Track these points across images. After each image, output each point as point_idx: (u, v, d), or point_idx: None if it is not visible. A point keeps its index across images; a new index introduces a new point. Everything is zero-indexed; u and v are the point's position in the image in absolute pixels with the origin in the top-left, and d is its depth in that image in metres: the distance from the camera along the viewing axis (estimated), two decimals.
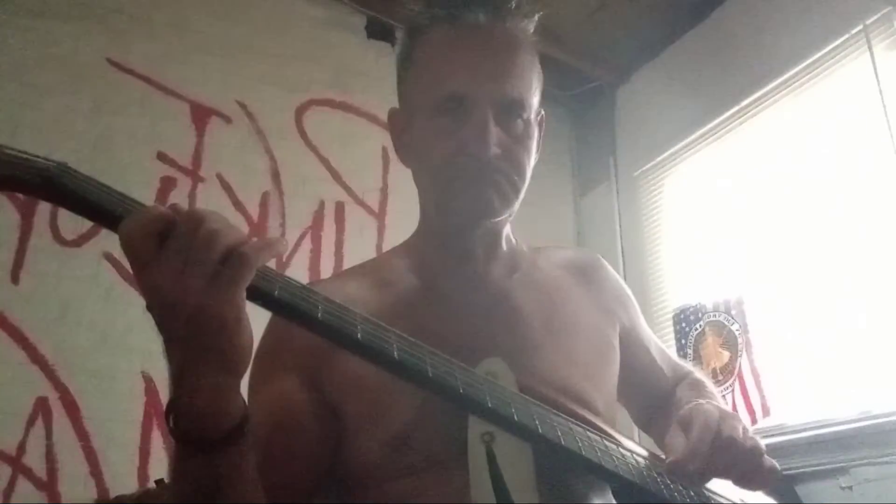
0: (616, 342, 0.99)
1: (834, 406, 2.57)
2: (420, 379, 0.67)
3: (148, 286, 0.60)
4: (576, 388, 0.85)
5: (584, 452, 0.73)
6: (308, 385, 0.84)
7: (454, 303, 0.90)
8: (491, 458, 0.74)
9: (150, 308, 0.61)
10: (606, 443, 0.78)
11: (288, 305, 0.63)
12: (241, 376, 0.64)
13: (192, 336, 0.60)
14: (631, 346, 1.02)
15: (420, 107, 0.90)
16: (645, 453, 0.82)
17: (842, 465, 2.41)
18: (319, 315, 0.64)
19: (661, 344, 1.12)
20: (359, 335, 0.65)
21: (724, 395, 2.81)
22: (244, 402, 0.66)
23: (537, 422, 0.72)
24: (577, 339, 0.93)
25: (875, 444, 2.35)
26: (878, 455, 2.34)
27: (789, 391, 2.80)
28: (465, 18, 0.88)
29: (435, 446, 0.79)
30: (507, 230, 0.96)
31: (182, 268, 0.58)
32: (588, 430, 0.77)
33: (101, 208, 0.62)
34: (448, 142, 0.86)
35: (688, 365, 1.12)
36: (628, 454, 0.79)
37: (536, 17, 0.92)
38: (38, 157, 0.63)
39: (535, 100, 0.91)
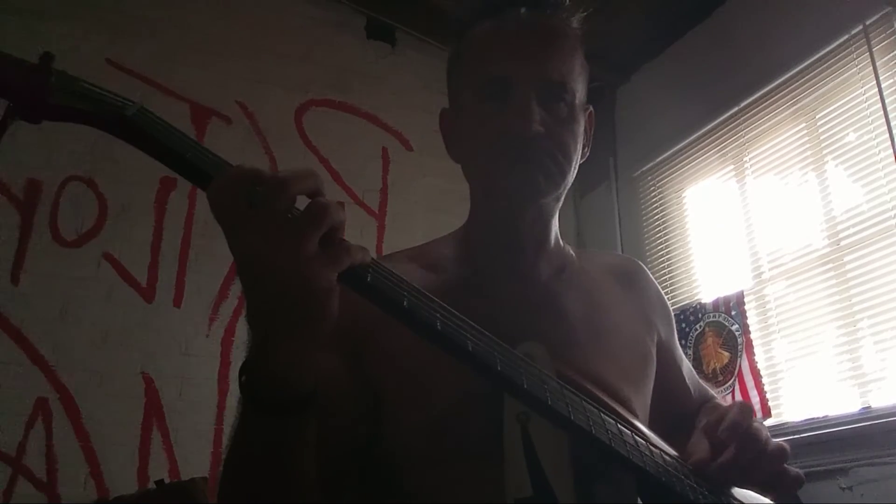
0: (654, 352, 0.99)
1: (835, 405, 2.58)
2: (460, 353, 0.67)
3: (240, 250, 0.59)
4: (614, 386, 0.85)
5: (613, 444, 0.73)
6: (348, 365, 0.84)
7: (500, 293, 0.90)
8: (526, 438, 0.75)
9: (240, 271, 0.60)
10: (637, 438, 0.77)
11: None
12: (323, 346, 0.64)
13: (284, 304, 0.59)
14: (664, 360, 1.01)
15: (465, 98, 0.91)
16: (674, 453, 0.82)
17: (842, 465, 2.41)
18: (369, 278, 0.64)
19: (690, 364, 1.12)
20: (405, 302, 0.65)
21: (724, 396, 2.81)
22: (319, 370, 0.66)
23: (570, 408, 0.72)
24: (618, 343, 0.93)
25: (875, 444, 2.35)
26: (878, 455, 2.34)
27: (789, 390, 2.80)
28: (508, 12, 0.90)
29: (473, 435, 0.79)
30: (555, 228, 0.96)
31: (280, 235, 0.58)
32: (620, 423, 0.77)
33: (171, 150, 0.63)
34: (492, 125, 0.86)
35: (711, 391, 1.13)
36: (657, 451, 0.78)
37: (578, 15, 0.93)
38: (117, 95, 0.64)
39: (580, 87, 0.91)
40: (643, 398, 0.92)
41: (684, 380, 1.06)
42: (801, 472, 0.82)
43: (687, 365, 1.09)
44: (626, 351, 0.93)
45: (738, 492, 0.83)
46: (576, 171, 0.91)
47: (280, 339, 0.61)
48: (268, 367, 0.62)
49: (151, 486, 2.58)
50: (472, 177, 0.95)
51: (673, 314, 1.09)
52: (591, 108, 0.95)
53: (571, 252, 1.01)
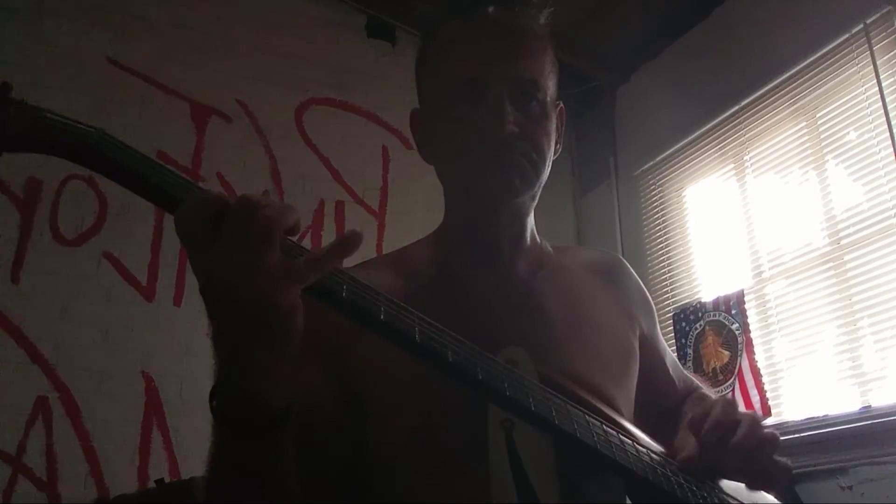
0: (637, 346, 0.99)
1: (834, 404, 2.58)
2: (440, 363, 0.67)
3: (203, 271, 0.60)
4: (597, 385, 0.85)
5: (599, 447, 0.73)
6: (331, 375, 0.83)
7: (478, 295, 0.90)
8: (510, 445, 0.75)
9: (203, 292, 0.61)
10: (622, 438, 0.77)
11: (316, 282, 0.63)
12: (291, 362, 0.64)
13: (247, 322, 0.59)
14: (648, 353, 1.01)
15: (437, 99, 0.91)
16: (660, 449, 0.82)
17: (842, 464, 2.41)
18: (344, 293, 0.64)
19: (673, 355, 1.12)
20: (381, 315, 0.64)
21: (723, 395, 2.81)
22: (291, 388, 0.66)
23: (554, 413, 0.71)
24: (600, 340, 0.93)
25: (875, 444, 2.35)
26: (878, 455, 2.34)
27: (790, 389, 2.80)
28: (476, 11, 0.89)
29: (455, 440, 0.78)
30: (531, 225, 0.96)
31: (240, 254, 0.58)
32: (605, 424, 0.77)
33: (136, 175, 0.63)
34: (466, 126, 0.86)
35: (696, 380, 1.13)
36: (644, 451, 0.78)
37: (546, 12, 0.94)
38: (78, 122, 0.64)
39: (551, 84, 0.91)
40: (627, 394, 0.92)
41: (668, 372, 1.07)
42: (788, 461, 0.82)
43: (671, 356, 1.09)
44: (608, 347, 0.93)
45: (727, 486, 0.83)
46: (549, 168, 0.91)
47: (246, 360, 0.61)
48: (237, 389, 0.62)
49: (151, 485, 2.57)
50: (446, 178, 0.94)
51: (654, 306, 1.09)
52: (562, 104, 0.95)
53: (549, 248, 1.00)
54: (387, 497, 0.82)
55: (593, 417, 0.76)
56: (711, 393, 1.08)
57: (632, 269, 1.09)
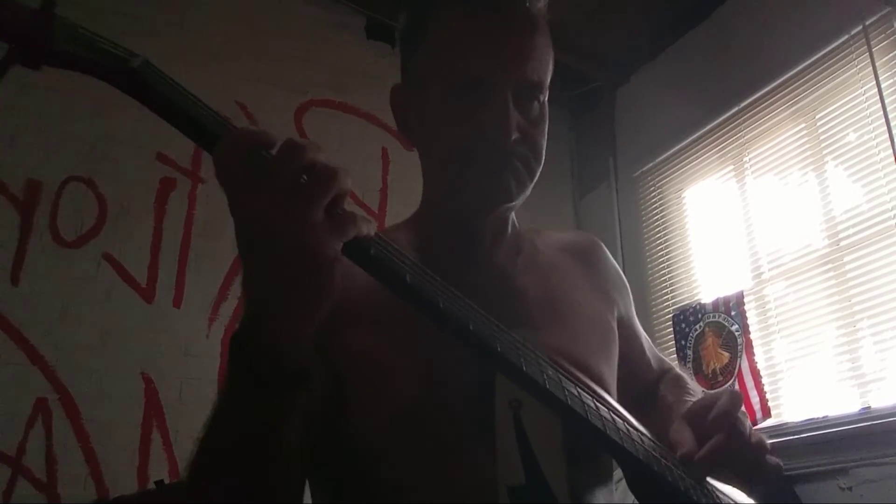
0: (615, 327, 0.99)
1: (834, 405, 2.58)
2: (461, 331, 0.66)
3: (242, 214, 0.57)
4: (588, 365, 0.84)
5: (608, 432, 0.72)
6: (320, 356, 0.81)
7: (458, 282, 0.87)
8: (518, 425, 0.74)
9: (239, 235, 0.58)
10: (628, 426, 0.77)
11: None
12: (322, 316, 0.61)
13: (287, 271, 0.57)
14: (626, 334, 1.01)
15: (434, 86, 0.86)
16: (653, 438, 0.81)
17: (842, 465, 2.41)
18: (372, 251, 0.62)
19: (647, 336, 1.13)
20: (407, 277, 0.64)
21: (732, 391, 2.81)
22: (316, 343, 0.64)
23: (566, 392, 0.71)
24: (580, 322, 0.92)
25: (875, 444, 2.35)
26: (878, 455, 2.34)
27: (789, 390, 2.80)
28: None
29: (443, 426, 0.77)
30: (512, 216, 0.94)
31: (286, 200, 0.56)
32: (611, 410, 0.76)
33: (175, 107, 0.62)
34: (465, 125, 0.82)
35: (668, 360, 1.13)
36: (647, 441, 0.78)
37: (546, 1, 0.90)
38: (120, 46, 0.63)
39: (549, 80, 0.89)
40: (612, 375, 0.92)
41: (645, 352, 1.07)
42: (779, 461, 0.81)
43: (645, 337, 1.10)
44: (589, 329, 0.93)
45: (723, 487, 0.83)
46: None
47: (280, 310, 0.59)
48: (266, 338, 0.60)
49: (151, 486, 2.58)
50: (433, 169, 0.91)
51: (629, 287, 1.08)
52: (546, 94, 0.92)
53: (528, 233, 1.00)
54: (376, 481, 0.80)
55: (601, 402, 0.75)
56: (685, 374, 1.09)
57: (606, 250, 1.08)
